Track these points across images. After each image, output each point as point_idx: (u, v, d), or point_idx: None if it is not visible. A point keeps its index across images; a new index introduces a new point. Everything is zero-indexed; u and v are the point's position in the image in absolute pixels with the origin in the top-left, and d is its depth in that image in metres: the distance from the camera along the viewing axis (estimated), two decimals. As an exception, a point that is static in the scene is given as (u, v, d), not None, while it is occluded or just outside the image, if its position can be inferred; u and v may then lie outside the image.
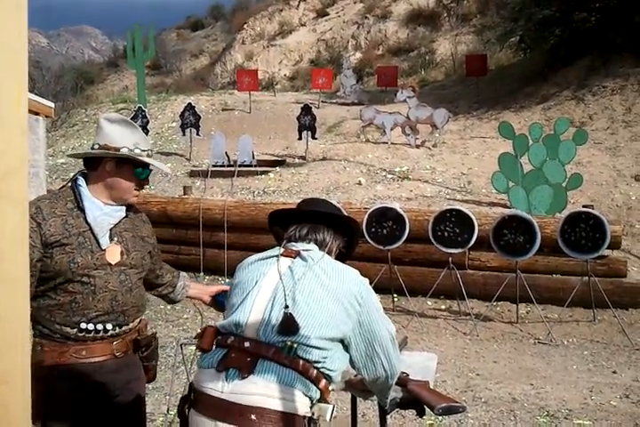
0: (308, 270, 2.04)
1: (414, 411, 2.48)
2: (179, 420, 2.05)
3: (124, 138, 2.39)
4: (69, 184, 2.43)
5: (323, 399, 1.97)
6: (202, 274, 8.10)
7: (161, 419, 4.24)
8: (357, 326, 2.02)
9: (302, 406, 1.90)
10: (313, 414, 1.92)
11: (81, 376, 2.30)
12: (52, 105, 9.10)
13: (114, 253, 2.38)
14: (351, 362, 2.08)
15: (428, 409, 2.41)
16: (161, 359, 5.46)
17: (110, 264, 2.36)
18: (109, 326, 2.35)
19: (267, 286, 2.04)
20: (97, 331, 2.33)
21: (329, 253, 2.19)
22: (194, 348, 2.23)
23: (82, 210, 2.35)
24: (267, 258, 2.14)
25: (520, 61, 16.63)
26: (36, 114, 8.43)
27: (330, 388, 2.01)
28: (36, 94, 9.62)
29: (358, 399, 2.74)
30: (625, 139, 11.09)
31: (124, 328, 2.41)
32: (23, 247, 1.18)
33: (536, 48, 15.37)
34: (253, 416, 1.83)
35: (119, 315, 2.38)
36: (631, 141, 10.96)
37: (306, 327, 1.94)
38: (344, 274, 2.07)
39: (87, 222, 2.34)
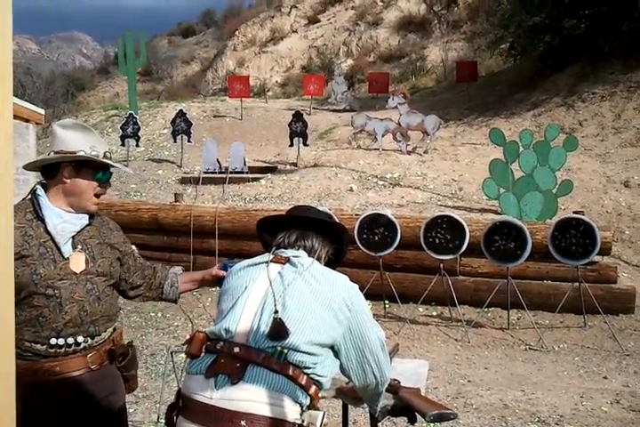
0: (297, 276, 2.03)
1: (406, 418, 2.46)
2: (167, 428, 2.03)
3: (78, 141, 2.33)
4: (29, 196, 2.34)
5: (313, 406, 1.95)
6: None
7: (151, 427, 4.20)
8: (347, 332, 2.01)
9: (292, 412, 1.88)
10: (303, 420, 1.90)
11: (57, 393, 2.24)
12: (43, 112, 9.06)
13: (78, 262, 2.30)
14: (341, 369, 2.07)
15: (419, 416, 2.40)
16: (151, 367, 5.44)
17: (75, 273, 2.28)
18: (80, 339, 2.28)
19: (256, 292, 2.02)
20: (68, 345, 2.26)
21: (318, 259, 2.17)
22: (184, 355, 2.20)
23: (42, 220, 2.27)
24: (256, 264, 2.13)
25: (510, 68, 16.73)
26: (27, 121, 8.39)
27: (320, 394, 1.99)
28: (26, 101, 9.59)
29: (349, 407, 2.73)
30: (615, 145, 11.15)
31: (96, 339, 2.34)
32: (7, 252, 1.18)
33: (526, 55, 15.49)
34: (243, 422, 1.81)
35: (89, 326, 2.30)
36: (621, 148, 11.01)
37: (296, 333, 1.92)
38: (334, 280, 2.06)
39: (48, 232, 2.26)
